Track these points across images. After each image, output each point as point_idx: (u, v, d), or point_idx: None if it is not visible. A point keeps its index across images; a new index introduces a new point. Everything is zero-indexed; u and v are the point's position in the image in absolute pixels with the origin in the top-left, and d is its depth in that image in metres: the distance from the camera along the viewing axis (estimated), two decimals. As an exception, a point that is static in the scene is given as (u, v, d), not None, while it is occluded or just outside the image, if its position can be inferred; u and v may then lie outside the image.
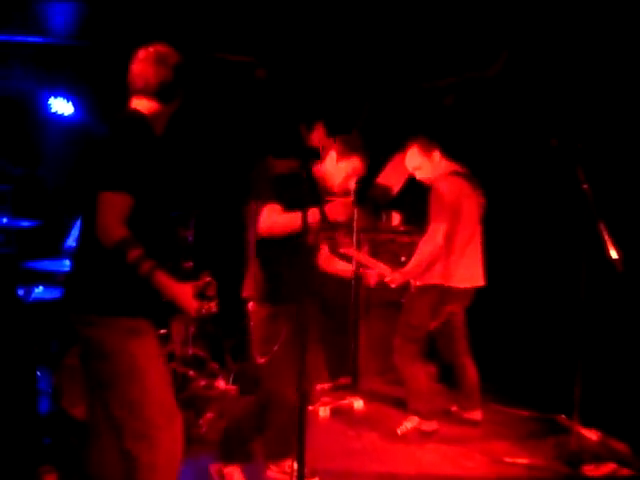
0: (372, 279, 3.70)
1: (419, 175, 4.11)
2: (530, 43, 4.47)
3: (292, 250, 2.95)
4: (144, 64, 2.43)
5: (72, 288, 2.43)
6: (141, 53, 2.46)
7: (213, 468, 3.26)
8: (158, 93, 2.43)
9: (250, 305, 3.19)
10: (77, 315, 2.36)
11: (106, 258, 2.24)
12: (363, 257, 4.09)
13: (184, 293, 2.33)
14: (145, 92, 2.43)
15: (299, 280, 2.88)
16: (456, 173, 4.01)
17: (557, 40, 4.31)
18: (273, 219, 3.01)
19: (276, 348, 3.02)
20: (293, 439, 3.18)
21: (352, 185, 3.32)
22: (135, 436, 2.34)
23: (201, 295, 2.45)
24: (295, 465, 3.05)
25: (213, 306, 2.48)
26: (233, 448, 3.23)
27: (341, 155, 3.20)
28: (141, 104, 2.44)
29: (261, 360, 3.08)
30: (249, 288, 3.18)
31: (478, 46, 4.69)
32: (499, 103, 4.85)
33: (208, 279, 2.49)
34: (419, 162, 4.06)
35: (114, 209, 2.19)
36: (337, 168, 3.22)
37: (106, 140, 2.35)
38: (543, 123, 4.44)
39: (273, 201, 3.03)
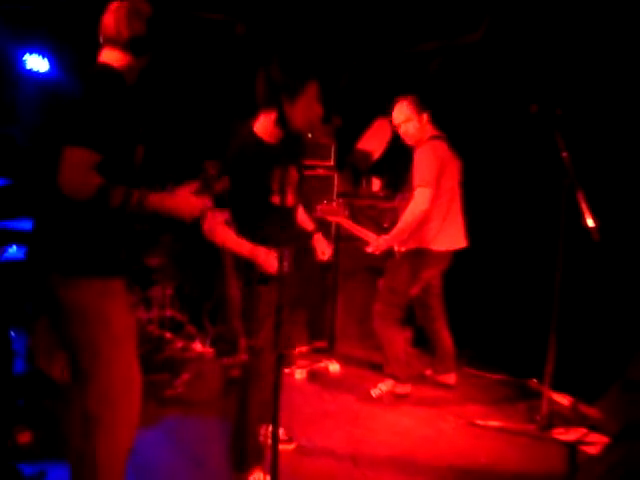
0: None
1: (402, 130, 4.05)
2: (512, 8, 4.43)
3: (270, 217, 2.87)
4: (116, 15, 2.37)
5: (41, 248, 2.36)
6: (114, 4, 2.40)
7: None
8: (130, 45, 2.37)
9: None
10: (48, 275, 2.30)
11: (76, 215, 2.22)
12: (348, 224, 4.07)
13: (183, 198, 2.30)
14: (117, 43, 2.37)
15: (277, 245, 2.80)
16: (436, 137, 4.00)
17: (539, 5, 4.27)
18: (218, 228, 2.85)
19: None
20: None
21: (319, 110, 2.89)
22: (97, 397, 2.33)
23: (207, 187, 2.36)
24: (270, 428, 3.06)
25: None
26: (246, 454, 3.00)
27: (290, 102, 2.78)
28: (112, 56, 2.39)
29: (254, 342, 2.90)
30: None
31: (460, 11, 4.63)
32: (480, 69, 4.80)
33: (212, 172, 2.39)
34: (406, 117, 4.01)
35: (79, 164, 2.12)
36: (293, 108, 2.78)
37: (75, 96, 2.27)
38: (523, 89, 4.41)
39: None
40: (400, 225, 3.90)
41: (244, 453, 3.00)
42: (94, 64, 2.41)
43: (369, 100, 5.28)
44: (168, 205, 2.27)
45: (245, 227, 2.89)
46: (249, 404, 2.96)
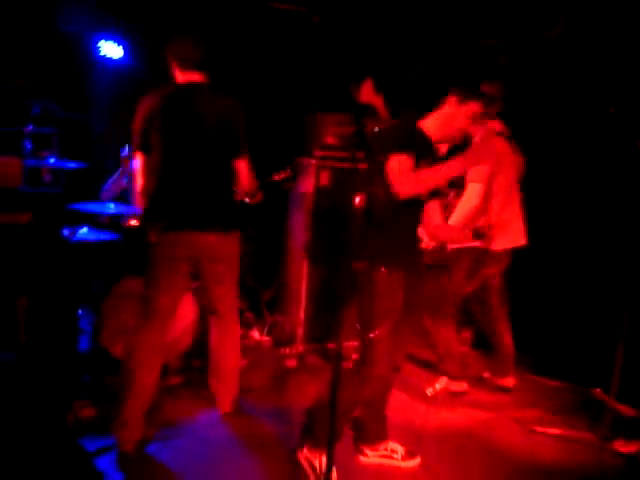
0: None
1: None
2: (592, 4, 4.29)
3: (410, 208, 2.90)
4: None
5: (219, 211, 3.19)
6: None
7: (301, 455, 3.01)
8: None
9: (363, 266, 2.91)
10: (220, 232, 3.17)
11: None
12: None
13: None
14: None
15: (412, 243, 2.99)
16: (495, 133, 3.91)
17: (619, 4, 4.12)
18: (414, 177, 2.78)
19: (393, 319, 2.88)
20: (387, 420, 3.24)
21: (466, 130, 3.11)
22: None
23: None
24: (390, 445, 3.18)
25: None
26: (320, 432, 2.89)
27: (460, 102, 2.98)
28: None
29: (374, 334, 2.86)
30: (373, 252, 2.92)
31: (537, 6, 4.51)
32: (556, 66, 4.67)
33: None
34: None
35: None
36: (456, 114, 2.99)
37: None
38: (603, 90, 4.26)
39: (403, 151, 2.78)
40: (451, 221, 3.82)
41: (322, 431, 2.85)
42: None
43: (440, 94, 5.20)
44: None
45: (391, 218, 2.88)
46: (348, 390, 2.86)
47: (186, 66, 3.13)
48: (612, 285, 3.76)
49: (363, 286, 2.88)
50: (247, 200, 3.38)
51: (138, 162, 3.16)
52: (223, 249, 3.20)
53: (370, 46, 4.93)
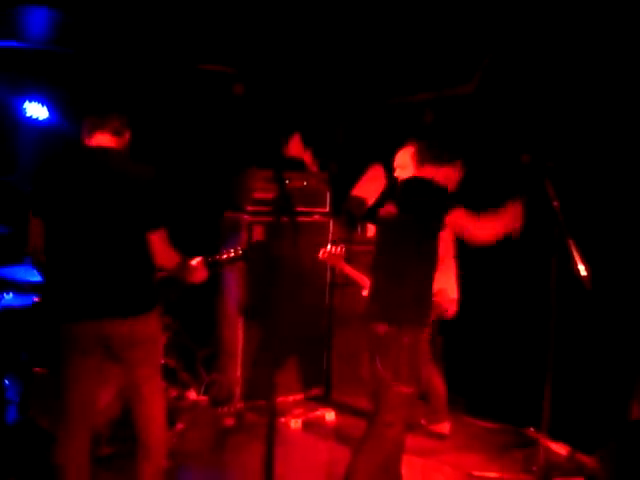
0: None
1: (398, 173, 4.07)
2: (505, 60, 4.53)
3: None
4: None
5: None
6: None
7: None
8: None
9: (388, 329, 2.92)
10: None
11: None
12: (348, 269, 4.09)
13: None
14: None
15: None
16: None
17: (532, 58, 4.38)
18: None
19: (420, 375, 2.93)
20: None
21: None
22: None
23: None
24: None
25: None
26: None
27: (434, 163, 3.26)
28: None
29: (408, 389, 2.90)
30: (395, 310, 2.98)
31: (454, 63, 4.74)
32: (472, 119, 4.89)
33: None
34: (403, 164, 4.01)
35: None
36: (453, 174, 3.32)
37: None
38: (514, 140, 4.48)
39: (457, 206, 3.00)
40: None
41: None
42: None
43: (364, 148, 5.35)
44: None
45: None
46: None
47: (93, 128, 2.75)
48: (537, 326, 3.88)
49: (382, 348, 2.90)
50: (186, 280, 3.01)
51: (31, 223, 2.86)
52: (139, 333, 2.75)
53: (298, 102, 5.07)
